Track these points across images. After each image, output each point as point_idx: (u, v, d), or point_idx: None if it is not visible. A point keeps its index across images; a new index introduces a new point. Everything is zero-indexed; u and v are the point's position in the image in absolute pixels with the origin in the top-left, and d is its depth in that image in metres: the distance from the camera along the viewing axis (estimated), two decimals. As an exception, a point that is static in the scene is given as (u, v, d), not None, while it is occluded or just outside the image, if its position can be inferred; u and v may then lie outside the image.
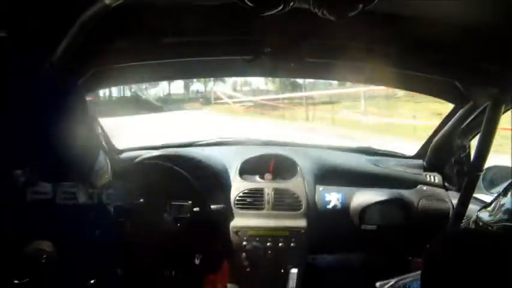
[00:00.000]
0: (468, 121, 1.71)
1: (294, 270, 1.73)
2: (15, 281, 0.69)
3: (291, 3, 0.91)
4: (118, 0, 0.83)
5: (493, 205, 1.53)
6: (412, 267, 1.77)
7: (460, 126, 1.76)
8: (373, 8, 0.89)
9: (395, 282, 1.52)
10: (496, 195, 1.52)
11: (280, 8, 0.92)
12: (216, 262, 1.68)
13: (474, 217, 1.55)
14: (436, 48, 1.17)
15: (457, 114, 1.74)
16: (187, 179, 1.55)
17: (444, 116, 1.89)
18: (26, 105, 0.71)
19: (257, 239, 1.72)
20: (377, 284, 1.71)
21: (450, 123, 1.81)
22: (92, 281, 0.77)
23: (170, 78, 1.88)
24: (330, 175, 1.91)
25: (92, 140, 0.84)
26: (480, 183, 1.57)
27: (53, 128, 0.72)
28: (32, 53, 0.80)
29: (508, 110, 1.43)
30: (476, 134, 1.69)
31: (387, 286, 1.51)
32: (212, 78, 16.54)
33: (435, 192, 1.92)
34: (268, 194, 1.78)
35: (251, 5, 0.90)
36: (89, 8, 0.84)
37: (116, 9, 0.86)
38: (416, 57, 1.20)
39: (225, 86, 19.16)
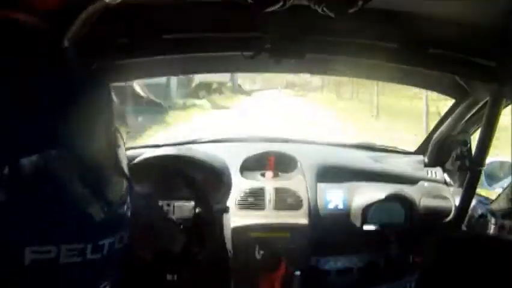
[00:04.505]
0: (469, 116, 1.71)
1: (297, 273, 1.70)
2: None
3: (291, 0, 0.91)
4: None
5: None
6: (414, 266, 1.77)
7: (461, 121, 1.76)
8: (372, 4, 0.89)
9: None
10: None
11: (280, 4, 0.92)
12: (217, 264, 1.65)
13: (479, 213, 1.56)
14: (436, 43, 1.17)
15: (458, 109, 1.74)
16: (189, 179, 1.53)
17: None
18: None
19: (258, 240, 1.68)
20: None
21: (451, 118, 1.80)
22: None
23: (171, 74, 1.89)
24: (331, 172, 1.89)
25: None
26: (482, 179, 1.57)
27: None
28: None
29: (509, 104, 1.43)
30: (477, 129, 1.69)
31: None
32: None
33: (436, 189, 1.91)
34: (269, 194, 1.75)
35: (251, 1, 0.90)
36: (88, 7, 0.84)
37: (116, 6, 0.86)
38: (416, 52, 1.20)
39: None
